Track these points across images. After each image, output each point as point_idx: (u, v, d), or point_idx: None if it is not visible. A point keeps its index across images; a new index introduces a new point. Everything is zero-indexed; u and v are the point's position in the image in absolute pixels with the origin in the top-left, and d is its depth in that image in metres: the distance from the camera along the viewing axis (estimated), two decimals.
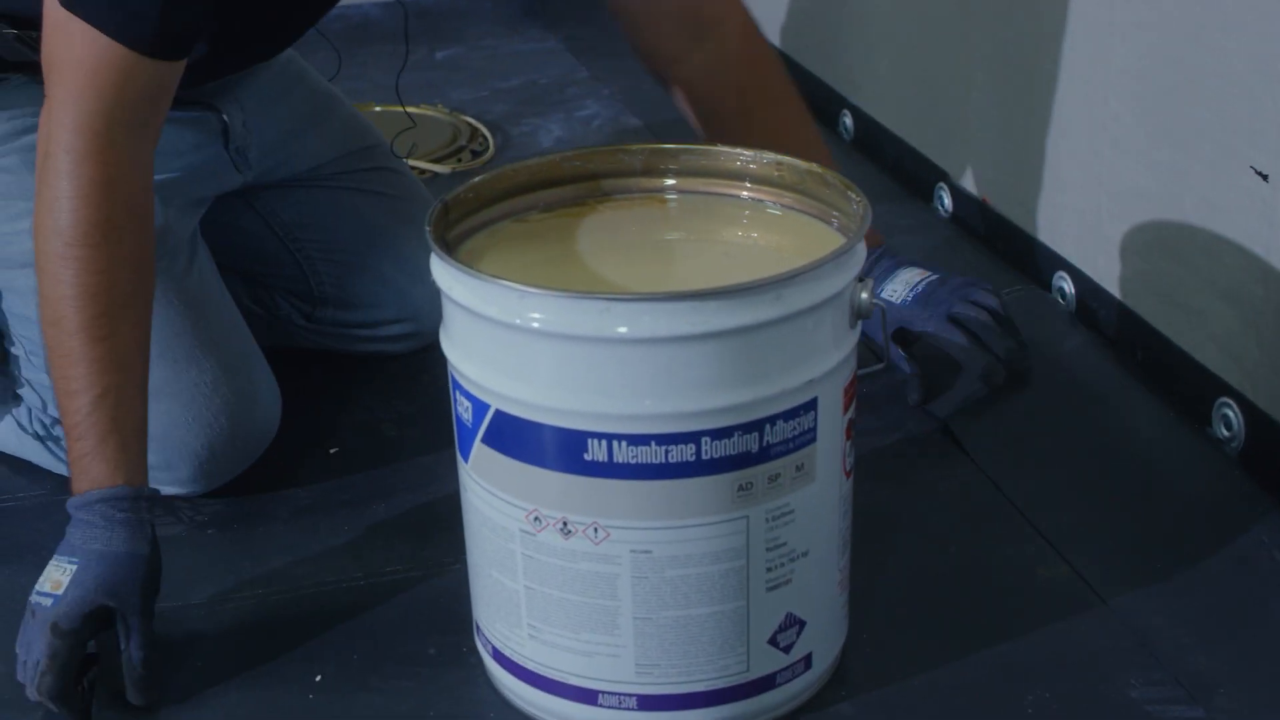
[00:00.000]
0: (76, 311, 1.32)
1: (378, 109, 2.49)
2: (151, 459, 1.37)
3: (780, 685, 1.24)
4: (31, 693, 1.26)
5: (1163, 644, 1.33)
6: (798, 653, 1.23)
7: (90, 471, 1.31)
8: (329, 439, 1.69)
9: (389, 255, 1.80)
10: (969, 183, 2.07)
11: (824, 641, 1.26)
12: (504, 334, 1.13)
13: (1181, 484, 1.55)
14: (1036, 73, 1.84)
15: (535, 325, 1.11)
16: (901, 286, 1.65)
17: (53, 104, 1.34)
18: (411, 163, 2.36)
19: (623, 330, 1.09)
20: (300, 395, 1.69)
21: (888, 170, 2.28)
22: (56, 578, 1.28)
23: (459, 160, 2.42)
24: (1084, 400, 1.69)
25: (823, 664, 1.27)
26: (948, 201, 2.11)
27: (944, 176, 2.12)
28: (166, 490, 1.49)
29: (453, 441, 1.24)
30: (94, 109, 1.32)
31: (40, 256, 1.34)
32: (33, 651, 1.26)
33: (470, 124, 2.55)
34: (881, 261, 1.68)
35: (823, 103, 2.43)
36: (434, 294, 1.21)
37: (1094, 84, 1.72)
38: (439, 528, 1.51)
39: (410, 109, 2.60)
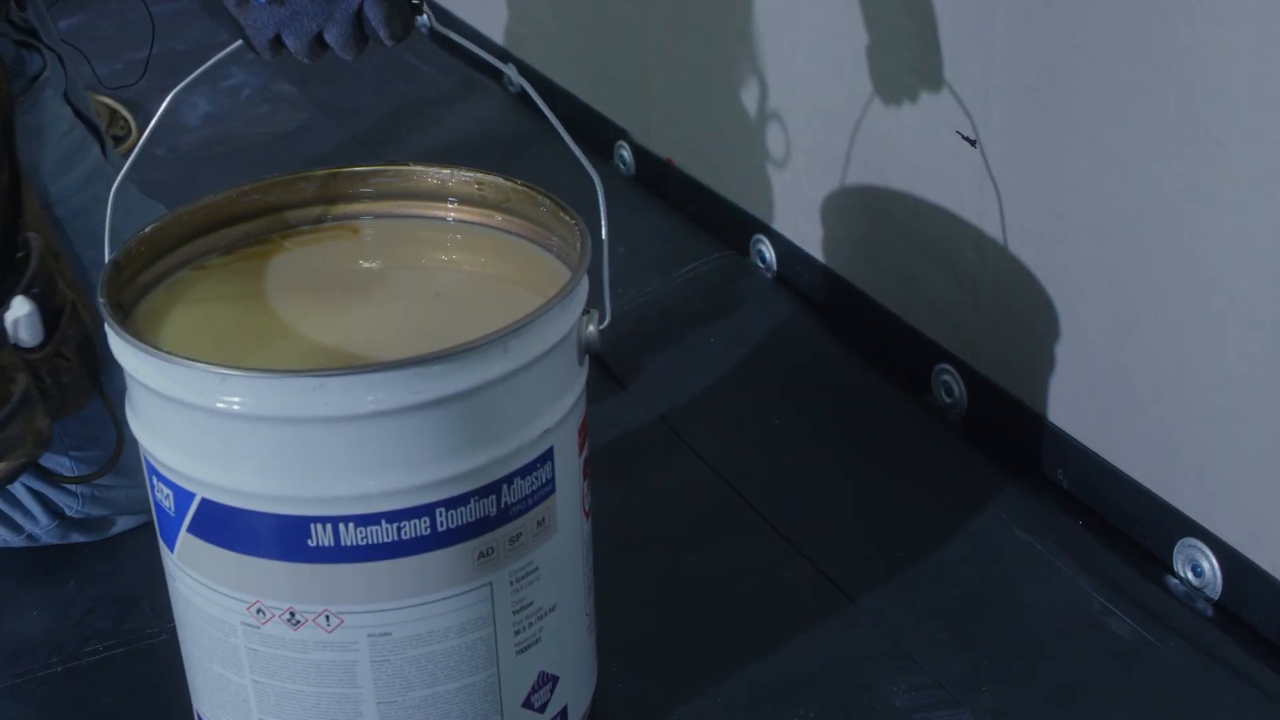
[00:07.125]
0: None
1: None
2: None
3: None
4: None
5: (919, 644, 1.29)
6: (553, 709, 1.16)
7: None
8: None
9: None
10: (651, 142, 1.98)
11: (577, 691, 1.19)
12: (203, 418, 1.01)
13: (910, 460, 1.50)
14: (716, 30, 1.76)
15: (238, 409, 0.99)
16: None
17: None
18: None
19: (339, 408, 0.98)
20: None
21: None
22: None
23: None
24: (799, 376, 1.64)
25: (578, 714, 1.19)
26: (629, 159, 2.03)
27: (623, 135, 2.04)
28: None
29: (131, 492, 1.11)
30: None
31: None
32: None
33: (107, 105, 2.35)
34: None
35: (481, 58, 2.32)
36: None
37: (781, 43, 1.65)
38: (134, 595, 1.38)
39: None
